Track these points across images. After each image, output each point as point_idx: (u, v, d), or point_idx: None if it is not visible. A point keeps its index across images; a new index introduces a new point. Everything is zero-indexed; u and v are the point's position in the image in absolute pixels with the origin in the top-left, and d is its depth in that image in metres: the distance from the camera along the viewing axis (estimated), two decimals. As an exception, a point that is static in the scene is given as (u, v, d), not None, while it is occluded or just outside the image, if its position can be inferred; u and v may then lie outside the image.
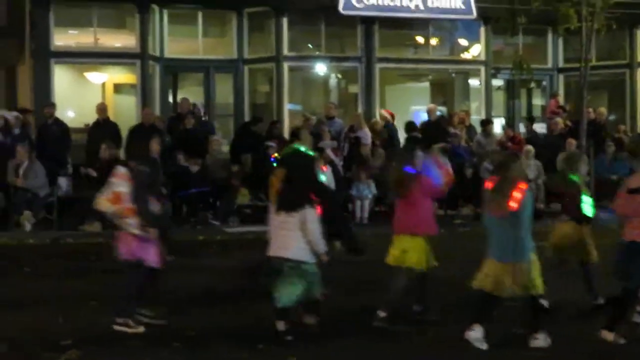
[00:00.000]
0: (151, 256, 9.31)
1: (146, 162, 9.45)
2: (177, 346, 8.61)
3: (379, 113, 21.20)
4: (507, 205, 8.35)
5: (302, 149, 11.07)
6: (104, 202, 9.34)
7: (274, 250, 8.93)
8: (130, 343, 8.68)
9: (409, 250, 9.43)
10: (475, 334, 8.50)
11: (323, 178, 17.81)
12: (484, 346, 8.48)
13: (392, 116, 20.86)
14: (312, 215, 8.80)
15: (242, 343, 8.77)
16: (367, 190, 18.23)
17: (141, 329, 9.18)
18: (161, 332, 9.11)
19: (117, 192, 9.21)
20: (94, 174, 17.26)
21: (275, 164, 11.95)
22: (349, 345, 8.77)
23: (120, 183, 9.22)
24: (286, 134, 20.35)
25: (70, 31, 21.43)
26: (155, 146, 9.73)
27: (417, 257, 9.43)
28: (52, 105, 18.89)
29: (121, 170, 9.32)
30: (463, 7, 21.94)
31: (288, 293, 8.80)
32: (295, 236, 8.76)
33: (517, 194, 8.38)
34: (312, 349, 8.61)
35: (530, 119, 22.70)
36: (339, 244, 10.44)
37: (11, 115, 18.33)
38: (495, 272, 8.49)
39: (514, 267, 8.41)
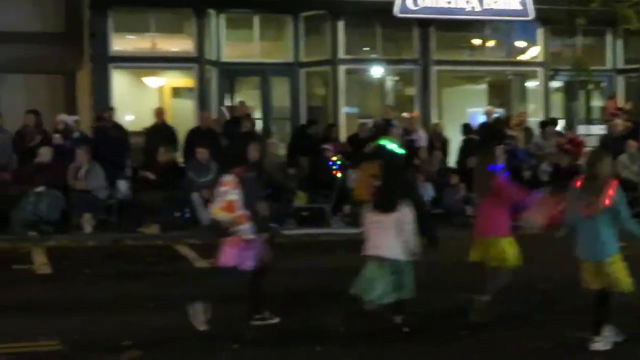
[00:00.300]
0: (249, 261, 9.36)
1: (252, 168, 9.58)
2: (235, 348, 8.63)
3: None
4: (599, 203, 8.36)
5: (392, 145, 11.07)
6: (217, 212, 9.41)
7: (370, 249, 9.27)
8: (189, 344, 8.72)
9: (504, 250, 9.58)
10: (604, 338, 8.52)
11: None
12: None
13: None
14: (408, 214, 9.11)
15: (299, 345, 8.78)
16: (425, 194, 18.14)
17: (276, 320, 9.45)
18: (221, 334, 9.14)
19: (229, 201, 9.26)
20: (152, 177, 17.42)
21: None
22: (405, 348, 8.71)
23: (230, 191, 9.28)
24: (342, 137, 20.38)
25: (129, 36, 21.63)
26: (254, 152, 9.78)
27: (513, 254, 9.64)
28: (111, 110, 19.08)
29: (228, 178, 9.39)
30: (520, 8, 21.77)
31: (382, 290, 9.07)
32: (390, 235, 9.08)
33: (609, 191, 8.40)
34: (366, 351, 8.58)
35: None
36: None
37: (71, 119, 18.57)
38: (588, 270, 8.58)
39: (602, 265, 8.48)
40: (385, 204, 9.22)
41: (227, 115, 19.39)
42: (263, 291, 9.72)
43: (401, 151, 10.83)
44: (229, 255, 9.33)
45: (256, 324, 9.47)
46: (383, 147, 11.04)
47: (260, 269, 9.51)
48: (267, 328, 9.44)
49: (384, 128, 12.86)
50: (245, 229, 9.24)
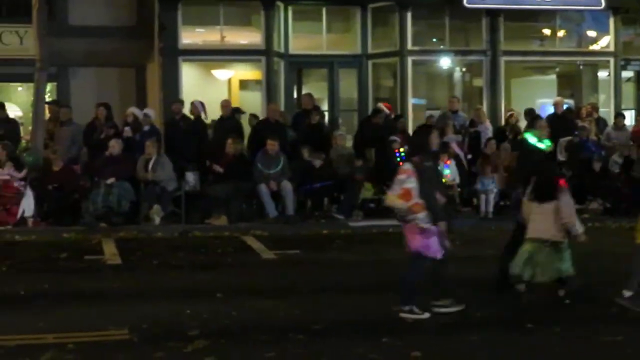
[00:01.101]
0: (433, 248, 9.50)
1: (430, 157, 9.69)
2: (301, 339, 8.66)
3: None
4: None
5: (533, 139, 11.12)
6: (394, 199, 9.55)
7: (532, 233, 10.06)
8: (256, 335, 8.78)
9: None
10: None
11: (447, 172, 17.80)
12: None
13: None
14: (566, 199, 10.02)
15: (366, 337, 8.78)
16: (492, 185, 18.02)
17: (426, 315, 9.46)
18: (288, 325, 9.18)
19: (406, 189, 9.39)
20: (220, 169, 17.55)
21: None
22: (475, 340, 8.67)
23: (408, 179, 9.39)
24: (410, 129, 20.31)
25: (198, 29, 21.81)
26: (435, 140, 9.86)
27: None
28: (180, 102, 19.25)
29: (407, 166, 9.51)
30: (591, -3, 21.51)
31: (543, 269, 9.97)
32: (550, 219, 9.95)
33: None
34: (438, 343, 8.57)
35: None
36: None
37: (141, 112, 18.79)
38: None
39: None
40: (541, 196, 10.07)
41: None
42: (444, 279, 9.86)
43: (544, 144, 10.97)
44: (415, 242, 9.49)
45: (440, 310, 9.58)
46: (525, 140, 11.19)
47: (444, 256, 9.61)
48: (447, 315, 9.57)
49: (531, 119, 12.72)
50: (421, 217, 9.36)
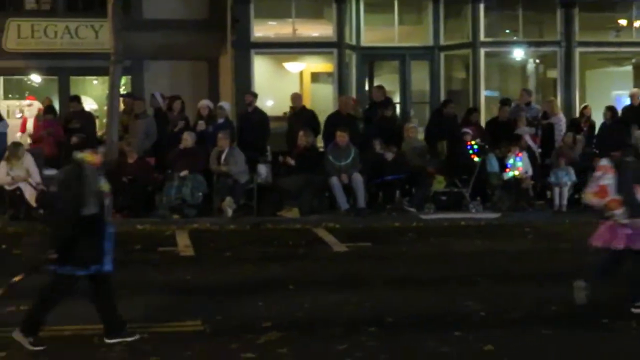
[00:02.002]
0: (621, 241, 9.36)
1: (630, 152, 9.64)
2: (373, 331, 8.67)
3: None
4: None
5: None
6: (590, 196, 9.55)
7: None
8: (328, 328, 8.80)
9: None
10: None
11: (519, 164, 17.65)
12: None
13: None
14: None
15: (438, 330, 8.75)
16: (565, 177, 17.80)
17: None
18: (360, 317, 9.20)
19: (603, 185, 9.36)
20: (292, 162, 17.62)
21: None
22: (548, 334, 8.59)
23: (605, 176, 9.36)
24: (483, 122, 20.16)
25: (270, 22, 21.88)
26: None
27: None
28: (253, 94, 19.31)
29: (604, 162, 9.47)
30: (670, -14, 21.12)
31: None
32: None
33: None
34: (510, 337, 8.51)
35: None
36: None
37: (213, 105, 18.92)
38: None
39: None
40: None
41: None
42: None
43: None
44: (602, 236, 9.42)
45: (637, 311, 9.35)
46: None
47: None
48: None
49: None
50: (619, 213, 9.29)
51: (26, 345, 8.19)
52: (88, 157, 8.48)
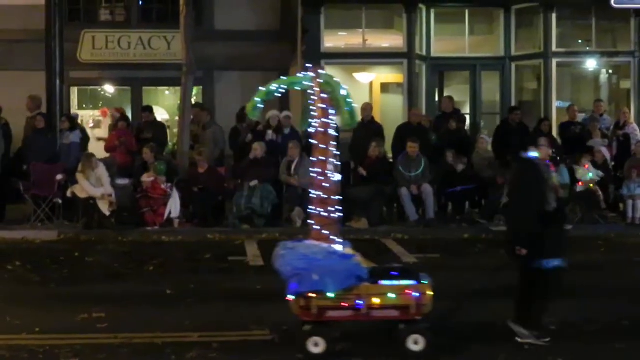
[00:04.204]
0: None
1: None
2: (441, 342, 8.63)
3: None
4: None
5: None
6: None
7: None
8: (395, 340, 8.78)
9: None
10: None
11: (590, 175, 17.41)
12: None
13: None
14: None
15: (509, 342, 8.68)
16: (638, 189, 17.51)
17: None
18: (433, 328, 9.15)
19: None
20: (363, 172, 17.59)
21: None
22: (622, 348, 8.47)
23: None
24: (555, 132, 19.94)
25: (340, 33, 21.95)
26: None
27: None
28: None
29: None
30: None
31: None
32: None
33: None
34: (582, 351, 8.41)
35: None
36: None
37: (283, 115, 19.02)
38: None
39: None
40: None
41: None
42: None
43: None
44: None
45: None
46: None
47: None
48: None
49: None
50: None
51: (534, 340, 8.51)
52: (537, 153, 8.79)
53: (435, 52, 21.92)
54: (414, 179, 17.34)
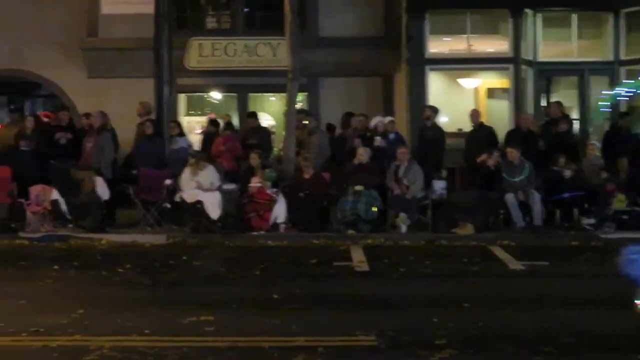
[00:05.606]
0: None
1: None
2: (549, 351, 8.48)
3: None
4: None
5: None
6: None
7: None
8: (502, 346, 8.68)
9: None
10: None
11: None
12: None
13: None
14: None
15: (620, 352, 8.50)
16: None
17: None
18: (536, 337, 9.03)
19: None
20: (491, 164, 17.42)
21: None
22: None
23: None
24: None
25: (444, 38, 21.83)
26: None
27: None
28: (432, 109, 19.22)
29: None
30: None
31: None
32: None
33: None
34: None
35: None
36: None
37: (387, 120, 19.02)
38: None
39: None
40: None
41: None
42: None
43: None
44: None
45: None
46: None
47: None
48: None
49: None
50: None
51: None
52: None
53: (542, 56, 21.62)
54: (518, 184, 17.13)
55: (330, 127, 19.80)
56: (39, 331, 9.17)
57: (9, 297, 10.99)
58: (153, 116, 18.93)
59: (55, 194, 17.29)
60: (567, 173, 17.43)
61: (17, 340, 8.89)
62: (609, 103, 7.72)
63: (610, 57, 21.52)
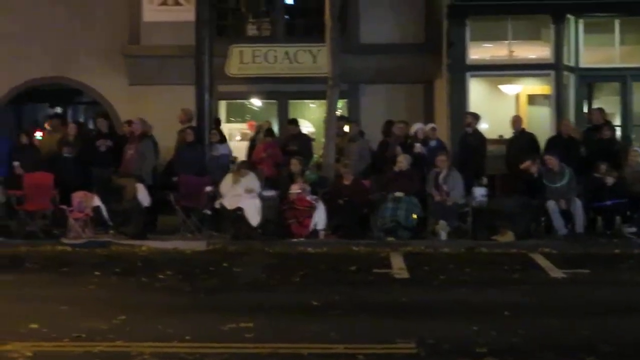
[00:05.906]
0: None
1: None
2: (590, 360, 8.45)
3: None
4: None
5: None
6: None
7: None
8: (543, 354, 8.62)
9: None
10: None
11: None
12: None
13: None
14: None
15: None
16: None
17: None
18: (577, 345, 8.96)
19: None
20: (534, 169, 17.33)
21: None
22: None
23: None
24: None
25: (485, 44, 21.73)
26: None
27: None
28: (473, 116, 19.14)
29: None
30: None
31: None
32: None
33: None
34: None
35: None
36: None
37: (428, 127, 18.98)
38: None
39: None
40: None
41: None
42: None
43: None
44: None
45: None
46: None
47: None
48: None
49: None
50: None
51: None
52: None
53: (584, 62, 21.46)
54: (559, 190, 17.02)
55: (361, 134, 19.76)
56: (80, 337, 9.25)
57: (51, 303, 11.10)
58: (194, 123, 19.03)
59: (97, 201, 17.46)
60: (609, 180, 17.29)
61: (59, 345, 8.97)
62: None
63: (653, 63, 21.33)
